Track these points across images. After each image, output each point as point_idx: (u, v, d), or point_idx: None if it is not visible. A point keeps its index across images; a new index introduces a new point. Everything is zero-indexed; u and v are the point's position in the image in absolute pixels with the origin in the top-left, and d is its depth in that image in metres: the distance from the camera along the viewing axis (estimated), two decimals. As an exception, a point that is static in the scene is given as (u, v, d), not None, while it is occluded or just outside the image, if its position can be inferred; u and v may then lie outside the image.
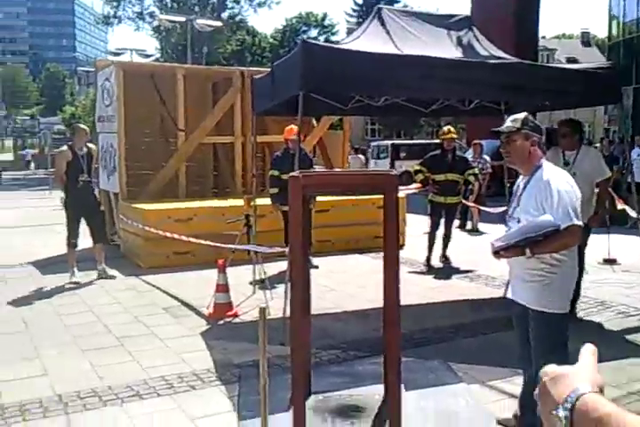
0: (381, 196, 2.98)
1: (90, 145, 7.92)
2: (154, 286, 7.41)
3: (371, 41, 6.18)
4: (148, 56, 29.48)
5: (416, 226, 10.35)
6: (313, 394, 3.43)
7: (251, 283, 6.92)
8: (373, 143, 26.77)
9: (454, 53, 6.26)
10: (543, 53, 41.61)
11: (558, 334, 3.30)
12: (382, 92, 6.21)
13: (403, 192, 11.92)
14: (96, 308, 6.46)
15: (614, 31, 33.93)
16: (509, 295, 3.55)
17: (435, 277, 8.00)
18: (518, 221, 3.34)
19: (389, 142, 25.47)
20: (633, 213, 7.72)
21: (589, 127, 45.14)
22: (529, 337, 3.42)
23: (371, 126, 42.77)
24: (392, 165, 23.03)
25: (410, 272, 8.25)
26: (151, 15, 41.98)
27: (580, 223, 3.15)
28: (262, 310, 3.31)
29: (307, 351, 3.30)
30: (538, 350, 3.34)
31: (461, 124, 30.73)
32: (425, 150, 10.67)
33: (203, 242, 6.97)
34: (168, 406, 4.13)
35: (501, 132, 3.45)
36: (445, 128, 8.81)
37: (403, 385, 4.24)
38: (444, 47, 6.36)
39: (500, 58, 6.37)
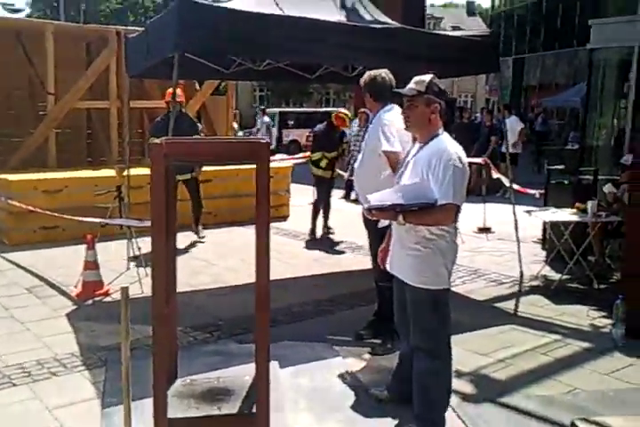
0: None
1: None
2: (17, 264, 6.86)
3: (252, 0, 5.88)
4: (16, 11, 27.36)
5: (302, 196, 10.22)
6: (179, 378, 3.24)
7: (125, 259, 6.55)
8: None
9: (337, 17, 6.06)
10: (430, 22, 42.42)
11: (436, 310, 3.20)
12: (261, 54, 5.93)
13: (290, 161, 11.77)
14: (-52, 289, 5.91)
15: (497, 1, 35.02)
16: (388, 267, 3.45)
17: (317, 249, 7.92)
18: None
19: (277, 110, 25.08)
20: (507, 182, 7.95)
21: (471, 98, 46.76)
22: (406, 310, 3.34)
23: (259, 93, 42.09)
24: (280, 134, 22.78)
25: (293, 244, 8.16)
26: (21, -33, 38.89)
27: (458, 203, 3.05)
28: (124, 290, 3.06)
29: (169, 337, 3.08)
30: (416, 326, 3.27)
31: (349, 92, 30.94)
32: (313, 119, 10.52)
33: (66, 217, 6.50)
34: (24, 395, 3.80)
35: (403, 95, 3.25)
36: (343, 115, 8.66)
37: (277, 363, 4.17)
38: (327, 10, 6.13)
39: (384, 23, 6.25)
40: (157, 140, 2.71)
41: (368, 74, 4.57)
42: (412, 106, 3.22)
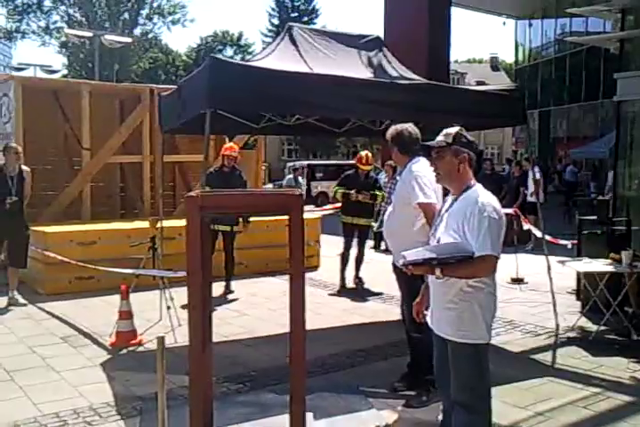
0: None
1: (23, 167, 7.53)
2: (53, 314, 6.95)
3: (281, 59, 6.08)
4: (53, 72, 28.42)
5: (331, 247, 10.26)
6: (215, 428, 3.23)
7: (158, 309, 6.58)
8: (289, 163, 26.70)
9: (365, 73, 6.24)
10: (454, 77, 43.12)
11: (476, 364, 3.13)
12: (291, 110, 6.10)
13: (318, 213, 11.89)
14: (-14, 339, 5.99)
15: (520, 57, 35.56)
16: (428, 321, 3.38)
17: (348, 299, 7.90)
18: (439, 241, 3.20)
19: (305, 163, 25.45)
20: (538, 233, 7.91)
21: (498, 149, 46.98)
22: (446, 364, 3.27)
23: (287, 146, 42.83)
24: (308, 186, 22.99)
25: (323, 294, 8.15)
26: (58, 30, 40.67)
27: (496, 254, 2.99)
28: (160, 340, 3.09)
29: (205, 385, 3.09)
30: (455, 380, 3.18)
31: (377, 145, 31.28)
32: (341, 171, 10.64)
33: (101, 268, 6.64)
34: (59, 446, 3.80)
35: (431, 147, 3.27)
36: (363, 154, 8.81)
37: (311, 415, 4.12)
38: (354, 67, 6.33)
39: (409, 79, 6.40)
40: (193, 194, 2.80)
41: (394, 128, 4.63)
42: (439, 157, 3.23)
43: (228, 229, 7.87)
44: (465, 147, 3.22)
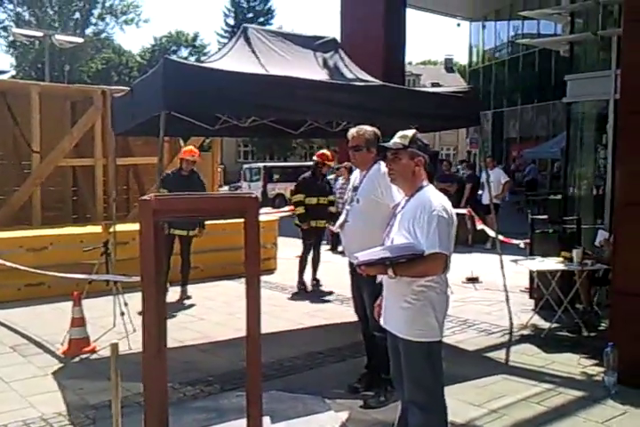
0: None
1: None
2: (1, 322, 6.75)
3: (236, 60, 6.05)
4: (1, 73, 27.73)
5: (288, 249, 10.24)
6: (171, 435, 3.17)
7: (111, 315, 6.45)
8: (245, 166, 26.54)
9: (320, 75, 6.25)
10: (409, 78, 43.48)
11: (429, 363, 3.16)
12: (247, 112, 6.07)
13: (275, 215, 11.82)
14: None
15: (474, 58, 36.12)
16: (381, 322, 3.41)
17: (305, 302, 7.90)
18: (392, 241, 3.24)
19: (262, 165, 25.32)
20: (491, 233, 8.03)
21: (454, 150, 47.61)
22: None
23: (243, 148, 42.66)
24: (265, 188, 22.90)
25: (281, 297, 8.11)
26: (5, 29, 39.76)
27: (446, 252, 3.04)
28: (114, 347, 3.03)
29: (160, 391, 3.03)
30: (409, 379, 3.21)
31: (333, 147, 31.34)
32: (298, 173, 10.61)
33: (50, 273, 6.47)
34: (9, 458, 3.69)
35: (388, 149, 3.32)
36: (327, 152, 8.84)
37: (269, 418, 4.10)
38: (310, 68, 6.34)
39: (365, 80, 6.43)
40: (147, 197, 2.74)
41: (372, 130, 4.53)
42: (396, 159, 3.29)
43: (184, 233, 7.79)
44: (420, 150, 3.29)
